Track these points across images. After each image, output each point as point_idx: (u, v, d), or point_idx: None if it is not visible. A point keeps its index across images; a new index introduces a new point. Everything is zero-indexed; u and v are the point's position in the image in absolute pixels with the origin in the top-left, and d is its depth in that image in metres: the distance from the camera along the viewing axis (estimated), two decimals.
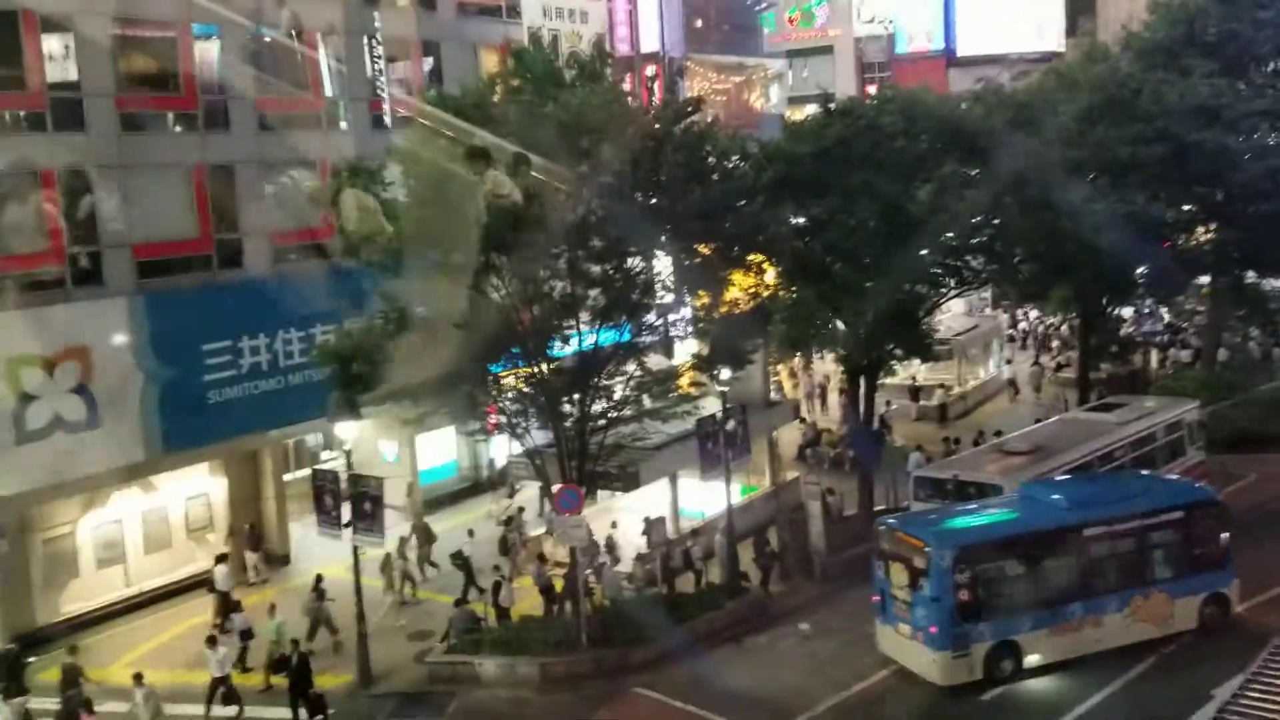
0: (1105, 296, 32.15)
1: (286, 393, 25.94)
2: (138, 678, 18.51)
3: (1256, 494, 27.83)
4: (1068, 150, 27.95)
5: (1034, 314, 48.86)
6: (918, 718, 17.92)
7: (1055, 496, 20.15)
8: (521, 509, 26.47)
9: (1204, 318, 39.46)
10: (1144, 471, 23.59)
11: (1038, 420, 29.78)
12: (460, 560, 24.06)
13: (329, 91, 27.93)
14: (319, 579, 22.34)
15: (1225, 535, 20.04)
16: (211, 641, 19.90)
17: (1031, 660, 18.60)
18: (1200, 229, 34.11)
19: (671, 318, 22.70)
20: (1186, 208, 32.69)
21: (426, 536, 25.67)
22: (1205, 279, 35.99)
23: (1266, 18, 36.20)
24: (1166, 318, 43.86)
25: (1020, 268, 28.59)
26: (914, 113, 25.00)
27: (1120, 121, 30.28)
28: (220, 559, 23.91)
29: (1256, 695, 11.81)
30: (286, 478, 27.71)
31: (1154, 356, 40.98)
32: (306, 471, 25.02)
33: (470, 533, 25.09)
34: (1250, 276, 35.04)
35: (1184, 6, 37.33)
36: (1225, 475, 28.40)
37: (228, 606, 22.86)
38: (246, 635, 21.45)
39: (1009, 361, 43.47)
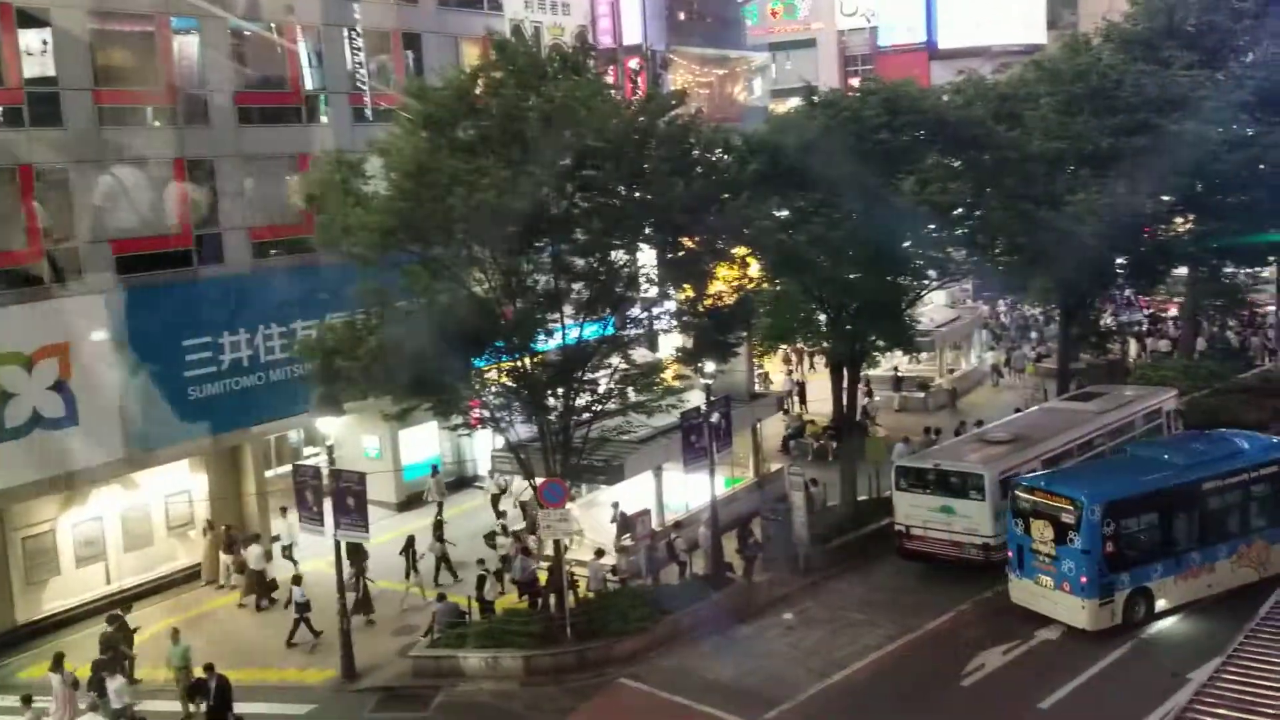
0: (1085, 287, 32.34)
1: (268, 389, 25.86)
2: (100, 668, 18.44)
3: None
4: (1048, 141, 28.07)
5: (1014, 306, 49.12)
6: (897, 705, 18.01)
7: (1166, 456, 21.93)
8: (519, 502, 26.46)
9: (1183, 307, 39.78)
10: (1234, 432, 24.47)
11: (1018, 410, 29.94)
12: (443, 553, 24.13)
13: (309, 85, 27.83)
14: (297, 579, 22.42)
15: None
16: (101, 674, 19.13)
17: (1160, 605, 20.36)
18: (1179, 220, 34.36)
19: (656, 311, 22.69)
20: (1166, 199, 32.93)
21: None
22: (1184, 270, 36.30)
23: (1244, 9, 36.50)
24: (1147, 309, 44.26)
25: (1001, 259, 28.66)
26: (896, 105, 25.01)
27: (1101, 113, 30.46)
28: (253, 538, 24.67)
29: (1233, 678, 11.92)
30: (268, 474, 27.62)
31: (1133, 346, 41.27)
32: (288, 468, 24.92)
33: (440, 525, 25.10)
34: (1228, 267, 35.40)
35: None
36: None
37: (266, 586, 23.68)
38: (304, 608, 21.85)
39: (991, 349, 43.71)
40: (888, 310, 25.95)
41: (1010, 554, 21.09)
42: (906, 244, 25.80)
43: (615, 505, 24.55)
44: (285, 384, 25.71)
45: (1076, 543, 19.80)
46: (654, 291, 22.21)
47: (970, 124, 25.72)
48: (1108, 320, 39.23)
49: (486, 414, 21.48)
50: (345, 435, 23.70)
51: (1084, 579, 19.73)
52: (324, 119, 28.10)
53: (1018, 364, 41.16)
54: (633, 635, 20.47)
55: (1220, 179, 31.87)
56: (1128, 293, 38.73)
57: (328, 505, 20.37)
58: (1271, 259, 37.55)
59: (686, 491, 25.18)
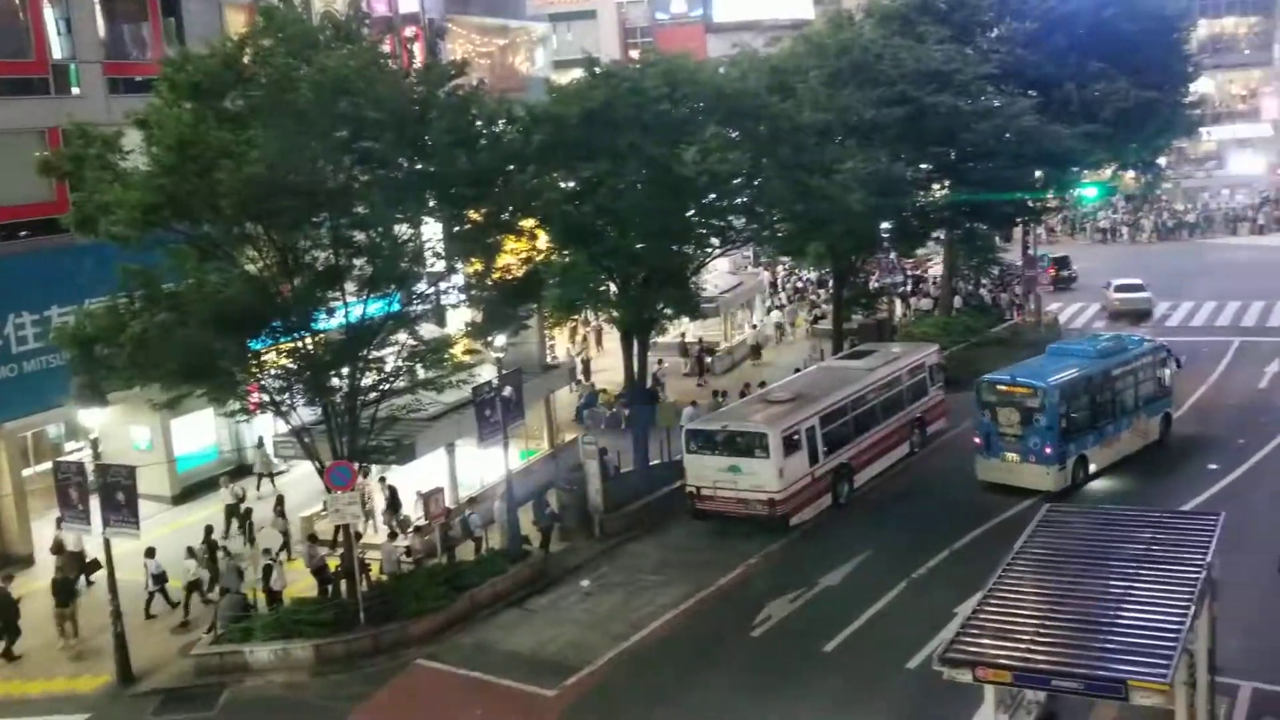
0: (855, 251, 33.99)
1: (20, 381, 23.93)
2: None
3: None
4: (817, 113, 29.23)
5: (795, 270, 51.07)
6: (692, 660, 18.59)
7: (1083, 350, 27.10)
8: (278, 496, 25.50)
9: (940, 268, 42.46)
10: (1123, 333, 30.11)
11: (797, 370, 31.25)
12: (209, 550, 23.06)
13: (57, 54, 25.76)
14: (150, 551, 21.42)
15: (1170, 372, 27.83)
16: None
17: (1092, 468, 25.33)
18: (937, 186, 36.62)
19: (443, 285, 22.34)
20: (925, 166, 35.02)
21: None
22: (942, 233, 38.72)
23: None
24: (911, 270, 46.95)
25: (778, 226, 29.75)
26: (675, 77, 25.43)
27: (864, 85, 32.00)
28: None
29: (993, 609, 12.93)
30: (26, 473, 25.60)
31: (899, 305, 43.75)
32: (49, 465, 23.15)
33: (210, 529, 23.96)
34: (981, 229, 38.02)
35: None
36: (963, 411, 30.81)
37: (86, 567, 22.31)
38: (160, 580, 21.43)
39: (780, 308, 45.32)
40: (674, 278, 26.50)
41: (977, 441, 25.53)
42: (690, 213, 26.42)
43: (382, 480, 24.17)
44: (41, 375, 23.85)
45: (1040, 421, 24.33)
46: (440, 266, 21.82)
47: (746, 96, 26.47)
48: (875, 282, 41.39)
49: (266, 398, 20.61)
50: (111, 427, 22.17)
51: (1047, 450, 24.33)
52: (76, 90, 26.07)
53: (789, 318, 43.48)
54: (429, 615, 20.23)
55: (971, 147, 34.15)
56: (892, 255, 40.94)
57: (95, 502, 19.10)
58: (1018, 221, 40.63)
59: (481, 466, 25.02)
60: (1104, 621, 12.42)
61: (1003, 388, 25.23)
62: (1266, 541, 19.44)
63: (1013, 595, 13.35)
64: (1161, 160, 48.40)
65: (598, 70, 26.06)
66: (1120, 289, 43.66)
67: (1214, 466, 25.60)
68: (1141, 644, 11.74)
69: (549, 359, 31.26)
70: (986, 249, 38.97)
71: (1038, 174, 37.71)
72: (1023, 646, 12.13)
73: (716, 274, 36.58)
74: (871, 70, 32.58)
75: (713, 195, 26.59)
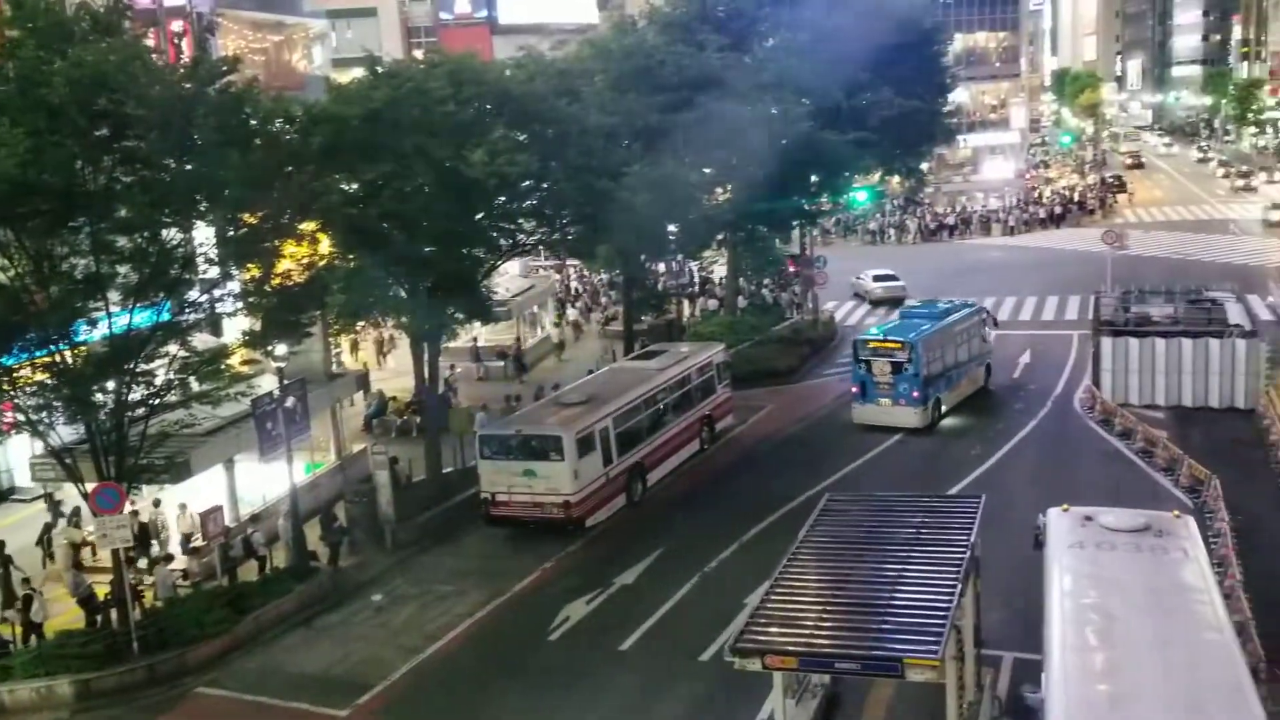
0: (643, 253, 34.57)
1: None
2: None
3: (774, 421, 31.71)
4: (604, 117, 29.56)
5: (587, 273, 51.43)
6: (489, 668, 18.44)
7: (926, 313, 31.93)
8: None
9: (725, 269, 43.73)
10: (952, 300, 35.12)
11: (590, 372, 31.52)
12: None
13: None
14: None
15: (990, 329, 33.53)
16: None
17: (944, 409, 30.12)
18: (720, 189, 37.69)
19: (218, 293, 21.27)
20: (708, 170, 35.95)
21: None
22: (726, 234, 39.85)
23: None
24: (696, 271, 48.14)
25: (568, 229, 29.89)
26: (461, 78, 25.15)
27: (649, 91, 32.58)
28: None
29: (779, 598, 13.44)
30: None
31: (686, 306, 44.81)
32: None
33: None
34: (762, 231, 39.41)
35: None
36: (749, 407, 32.02)
37: None
38: None
39: (573, 308, 45.52)
40: (464, 282, 26.19)
41: (854, 390, 29.89)
42: (479, 216, 26.18)
43: (134, 514, 22.53)
44: None
45: (909, 370, 28.82)
46: (215, 272, 20.77)
47: (534, 98, 26.46)
48: (664, 283, 42.22)
49: (21, 417, 19.06)
50: None
51: (915, 394, 28.91)
52: None
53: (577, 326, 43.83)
54: (210, 641, 19.23)
55: (751, 152, 35.29)
56: (679, 257, 41.86)
57: None
58: (795, 223, 42.33)
59: (264, 482, 23.99)
60: (880, 604, 13.11)
61: (875, 344, 29.70)
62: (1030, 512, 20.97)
63: (797, 583, 13.92)
64: (924, 166, 51.57)
65: (380, 70, 25.45)
66: (878, 279, 47.86)
67: (976, 451, 27.45)
68: (914, 623, 12.47)
69: (335, 367, 30.30)
70: (767, 250, 40.40)
71: (813, 178, 39.48)
72: (807, 633, 12.67)
73: (507, 277, 36.43)
74: (655, 76, 33.22)
75: (502, 198, 26.47)
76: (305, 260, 22.41)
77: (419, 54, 45.11)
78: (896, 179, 54.75)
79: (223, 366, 20.56)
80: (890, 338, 29.80)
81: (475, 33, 62.71)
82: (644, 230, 30.62)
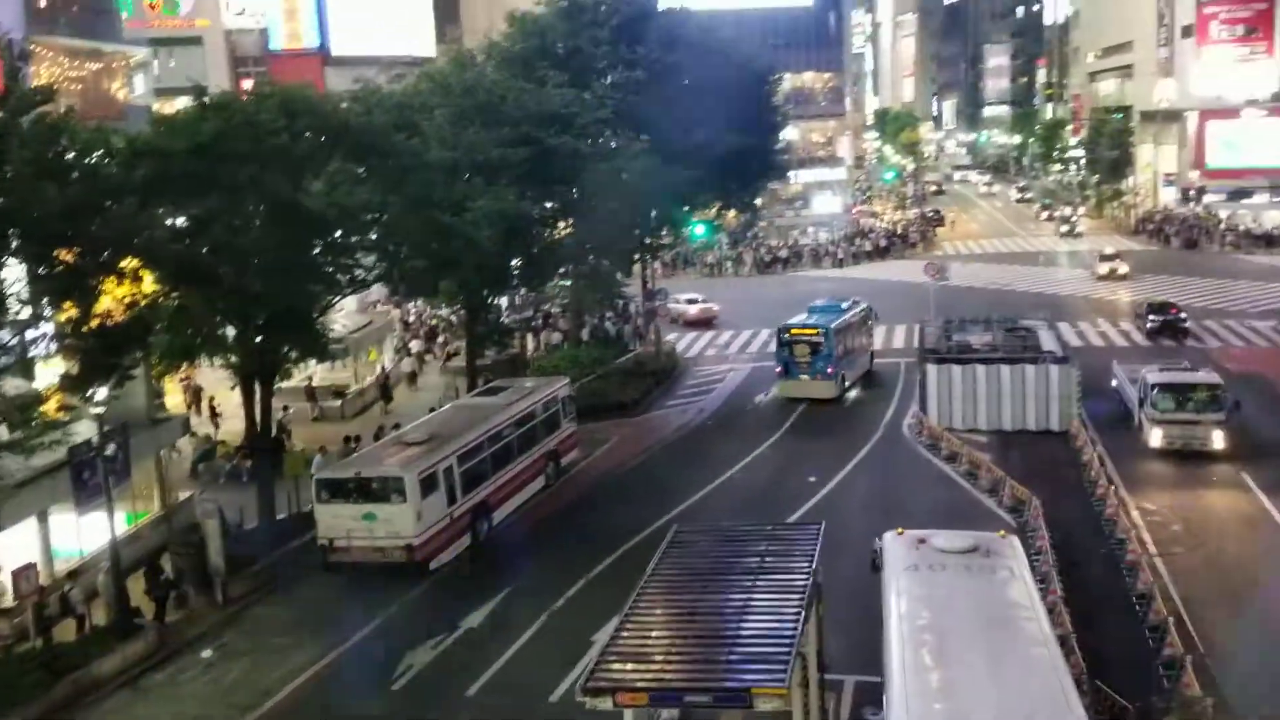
0: (486, 287, 34.34)
1: None
2: None
3: (619, 454, 31.84)
4: (444, 151, 29.33)
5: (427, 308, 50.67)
6: None
7: (828, 310, 37.96)
8: None
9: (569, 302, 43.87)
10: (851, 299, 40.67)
11: (432, 409, 31.01)
12: None
13: None
14: None
15: (873, 324, 40.37)
16: None
17: (847, 384, 36.33)
18: (562, 223, 37.87)
19: (30, 334, 20.02)
20: (549, 204, 36.09)
21: None
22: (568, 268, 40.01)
23: (602, 36, 41.10)
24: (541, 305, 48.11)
25: (408, 264, 29.43)
26: (294, 109, 24.54)
27: (489, 125, 32.51)
28: None
29: (629, 634, 13.46)
30: None
31: (530, 340, 44.68)
32: None
33: None
34: (604, 264, 39.74)
35: (536, 22, 41.09)
36: (594, 440, 32.10)
37: None
38: None
39: (409, 353, 44.67)
40: (299, 319, 25.43)
41: (778, 370, 36.03)
42: (316, 250, 25.51)
43: None
44: None
45: (824, 351, 35.07)
46: (26, 312, 19.57)
47: (372, 131, 26.03)
48: (506, 317, 41.99)
49: None
50: None
51: (829, 370, 35.21)
52: None
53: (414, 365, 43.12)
54: (22, 707, 17.87)
55: (592, 186, 35.66)
56: (522, 291, 41.78)
57: None
58: (637, 257, 42.87)
59: (82, 534, 22.56)
60: (728, 635, 13.28)
61: (796, 331, 35.80)
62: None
63: (646, 618, 13.95)
64: (757, 200, 53.07)
65: (207, 100, 24.58)
66: (690, 301, 51.32)
67: (813, 478, 28.23)
68: (761, 653, 12.67)
69: (159, 411, 28.84)
70: (609, 283, 40.74)
71: (652, 212, 40.10)
72: (656, 668, 12.71)
73: (345, 314, 35.57)
74: (496, 111, 33.18)
75: (340, 232, 25.88)
76: (127, 299, 21.38)
77: (247, 84, 43.84)
78: (732, 213, 56.12)
79: (35, 414, 19.28)
80: (809, 324, 36.11)
81: (306, 63, 61.34)
82: (486, 264, 30.48)
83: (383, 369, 40.54)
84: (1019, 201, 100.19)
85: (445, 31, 75.79)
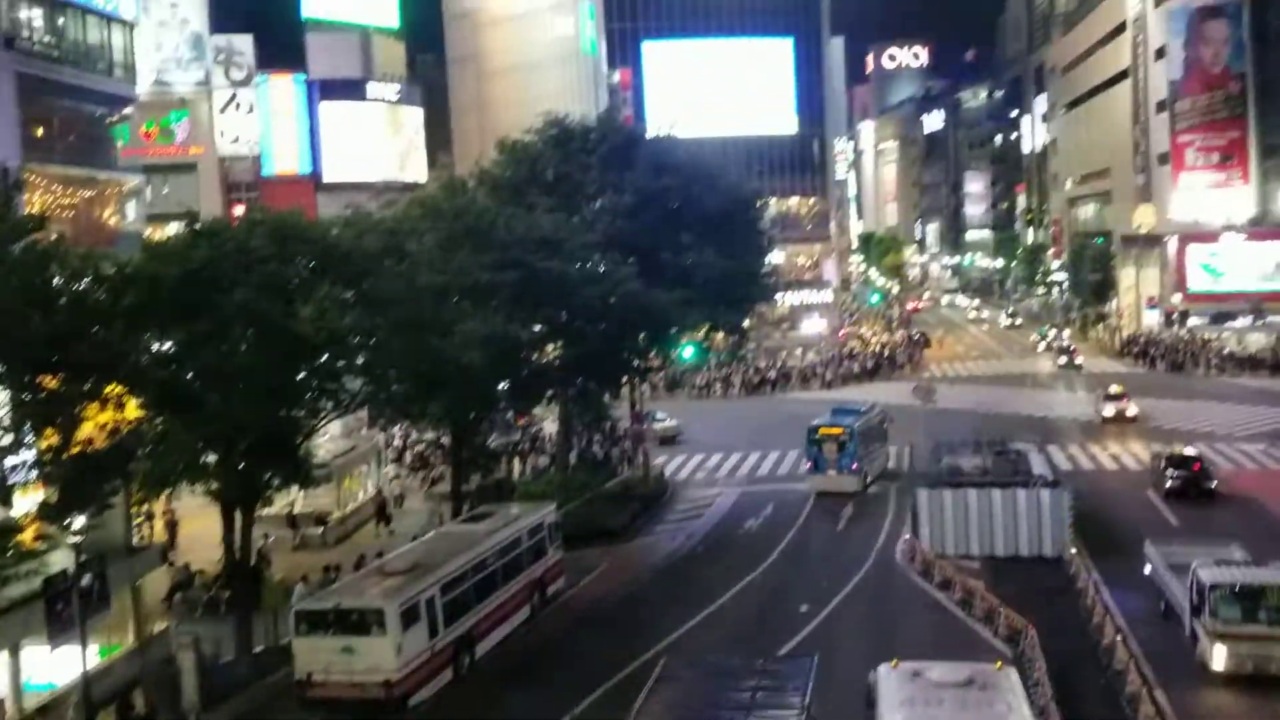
0: (473, 410, 34.20)
1: None
2: None
3: (607, 582, 31.21)
4: (434, 274, 29.53)
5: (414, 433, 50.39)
6: None
7: (850, 411, 41.67)
8: None
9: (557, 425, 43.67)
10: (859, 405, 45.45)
11: (415, 537, 30.47)
12: None
13: None
14: None
15: (888, 425, 43.50)
16: None
17: (869, 479, 39.31)
18: (550, 346, 37.97)
19: (9, 461, 19.73)
20: (538, 327, 36.26)
21: None
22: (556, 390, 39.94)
23: (591, 163, 41.96)
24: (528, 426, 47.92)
25: (396, 387, 29.33)
26: (286, 234, 24.79)
27: (479, 249, 32.85)
28: None
29: None
30: None
31: (517, 464, 44.28)
32: None
33: None
34: (593, 387, 39.68)
35: (526, 149, 41.97)
36: (581, 569, 31.51)
37: None
38: None
39: (396, 477, 44.24)
40: (284, 444, 25.19)
41: (809, 464, 39.31)
42: (302, 375, 25.43)
43: None
44: None
45: (850, 449, 38.43)
46: (7, 439, 19.32)
47: (362, 256, 26.26)
48: (493, 441, 41.72)
49: None
50: None
51: (854, 466, 38.53)
52: None
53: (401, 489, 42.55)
54: None
55: (581, 309, 35.88)
56: (510, 414, 41.63)
57: None
58: (625, 379, 42.89)
59: (53, 668, 21.83)
60: None
61: (825, 430, 38.85)
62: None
63: None
64: (746, 322, 53.45)
65: (199, 227, 24.82)
66: (656, 420, 51.36)
67: (805, 608, 27.64)
68: None
69: (136, 539, 28.27)
70: (598, 406, 40.63)
71: (641, 335, 40.30)
72: None
73: (329, 438, 35.26)
74: (485, 235, 33.57)
75: (327, 356, 25.84)
76: (110, 425, 21.16)
77: (239, 209, 44.46)
78: (721, 335, 56.52)
79: (10, 544, 18.88)
80: (836, 423, 39.31)
81: (299, 189, 62.60)
82: (474, 387, 30.40)
83: (379, 490, 40.10)
84: (1008, 328, 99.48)
85: (437, 158, 77.54)
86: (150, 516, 34.67)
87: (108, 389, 20.93)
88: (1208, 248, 71.53)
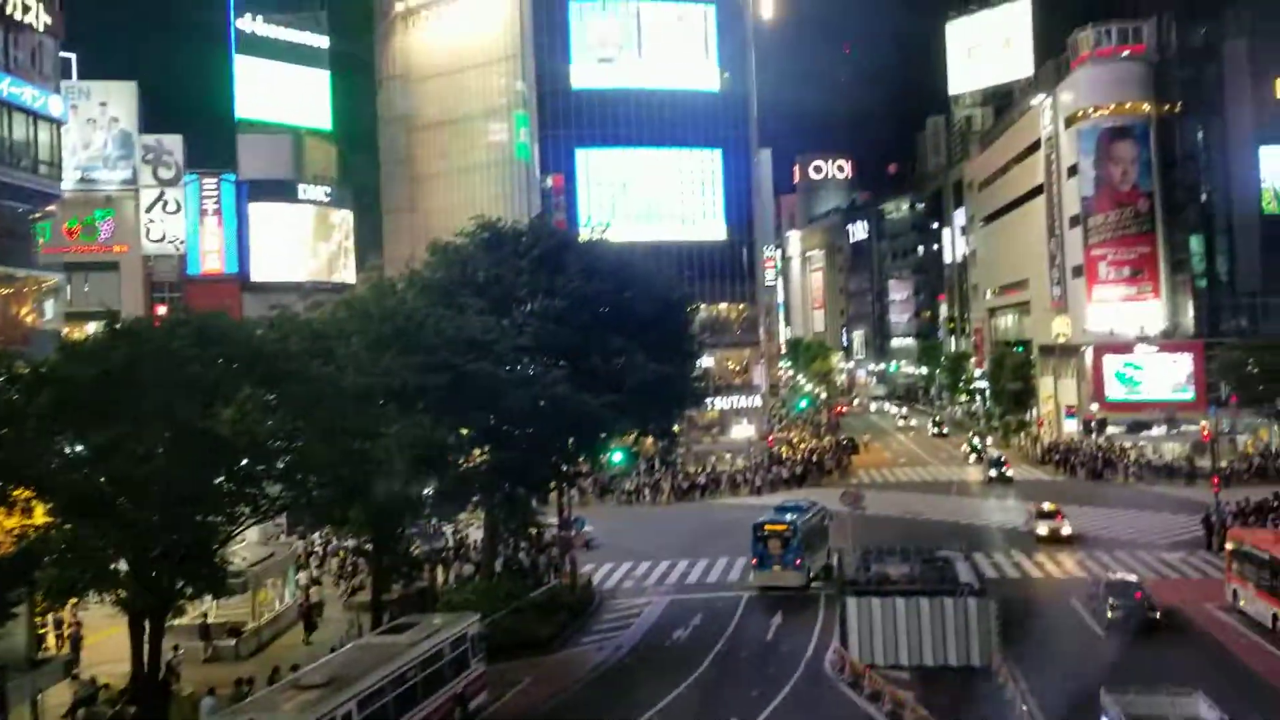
0: (396, 517, 33.41)
1: None
2: None
3: (532, 696, 30.30)
4: (361, 377, 29.11)
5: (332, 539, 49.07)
6: None
7: (796, 510, 43.03)
8: None
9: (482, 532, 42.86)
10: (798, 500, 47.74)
11: (333, 649, 29.38)
12: None
13: None
14: None
15: (829, 523, 45.04)
16: None
17: (812, 574, 40.90)
18: (477, 450, 37.44)
19: None
20: (466, 431, 35.79)
21: None
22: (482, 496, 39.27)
23: (523, 266, 42.07)
24: (450, 535, 46.90)
25: (317, 492, 28.59)
26: (209, 336, 24.33)
27: (407, 351, 32.53)
28: None
29: None
30: None
31: (440, 572, 43.17)
32: None
33: None
34: (520, 492, 39.09)
35: (457, 251, 42.01)
36: (505, 681, 30.57)
37: None
38: None
39: (316, 583, 42.82)
40: (198, 552, 24.32)
41: (753, 561, 40.66)
42: (221, 479, 24.70)
43: None
44: None
45: (793, 545, 40.03)
46: None
47: (286, 358, 25.84)
48: (416, 548, 40.73)
49: None
50: None
51: (798, 562, 39.99)
52: None
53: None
54: None
55: (509, 413, 35.55)
56: (434, 520, 40.75)
57: None
58: (552, 485, 42.39)
59: None
60: None
61: (770, 527, 40.41)
62: None
63: None
64: (675, 427, 53.41)
65: (119, 326, 24.27)
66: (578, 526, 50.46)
67: None
68: None
69: (39, 651, 26.93)
70: (525, 512, 40.00)
71: (570, 439, 39.99)
72: None
73: (246, 544, 34.17)
74: (414, 336, 33.30)
75: (247, 460, 25.17)
76: (16, 530, 20.27)
77: (163, 309, 43.68)
78: (650, 440, 56.40)
79: None
80: (780, 521, 40.85)
81: (224, 289, 61.85)
82: (399, 492, 29.76)
83: (305, 594, 38.72)
84: (935, 436, 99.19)
85: (367, 259, 77.33)
86: (56, 626, 33.19)
87: (15, 492, 20.06)
88: (1122, 358, 73.76)
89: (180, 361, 23.08)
